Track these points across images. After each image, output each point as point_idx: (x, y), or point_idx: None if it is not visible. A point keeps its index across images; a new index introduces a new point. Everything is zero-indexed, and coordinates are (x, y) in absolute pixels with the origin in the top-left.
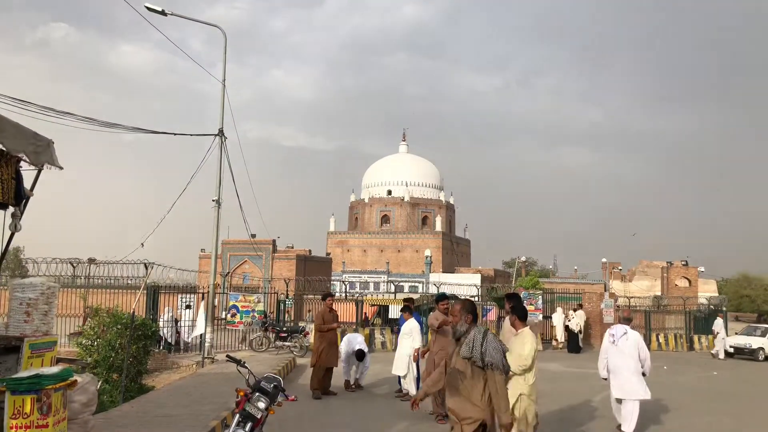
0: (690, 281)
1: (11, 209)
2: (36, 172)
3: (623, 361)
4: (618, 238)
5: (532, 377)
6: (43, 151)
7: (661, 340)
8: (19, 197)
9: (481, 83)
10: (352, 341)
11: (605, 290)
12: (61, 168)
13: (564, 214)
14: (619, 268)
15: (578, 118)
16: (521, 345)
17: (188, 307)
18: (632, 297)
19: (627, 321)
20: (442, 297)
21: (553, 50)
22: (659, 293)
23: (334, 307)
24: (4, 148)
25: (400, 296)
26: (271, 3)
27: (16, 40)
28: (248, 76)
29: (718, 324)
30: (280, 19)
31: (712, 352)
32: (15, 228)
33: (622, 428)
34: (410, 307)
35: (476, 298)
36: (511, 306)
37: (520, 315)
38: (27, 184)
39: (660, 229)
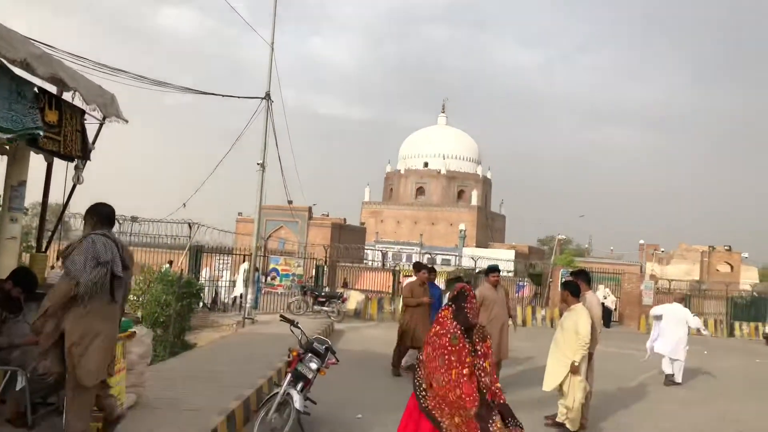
0: (732, 267)
1: (75, 161)
2: (98, 126)
3: (676, 330)
4: (656, 219)
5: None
6: (110, 104)
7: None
8: (83, 150)
9: (525, 58)
10: None
11: (640, 272)
12: (126, 121)
13: (601, 194)
14: (661, 250)
15: (623, 97)
16: (575, 323)
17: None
18: (672, 280)
19: (681, 301)
20: (494, 269)
21: (599, 25)
22: (697, 278)
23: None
24: (79, 99)
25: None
26: None
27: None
28: (287, 43)
29: None
30: None
31: None
32: (78, 180)
33: (675, 379)
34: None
35: (511, 274)
36: (564, 281)
37: (572, 290)
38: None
39: (701, 211)
